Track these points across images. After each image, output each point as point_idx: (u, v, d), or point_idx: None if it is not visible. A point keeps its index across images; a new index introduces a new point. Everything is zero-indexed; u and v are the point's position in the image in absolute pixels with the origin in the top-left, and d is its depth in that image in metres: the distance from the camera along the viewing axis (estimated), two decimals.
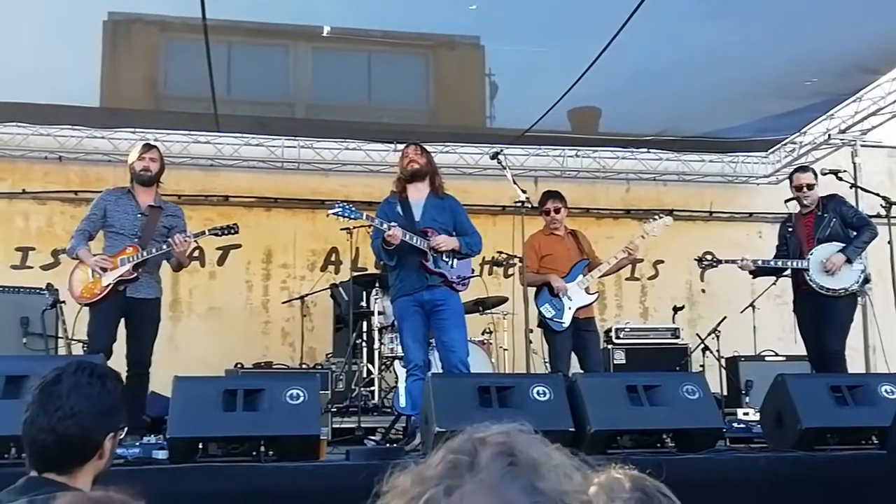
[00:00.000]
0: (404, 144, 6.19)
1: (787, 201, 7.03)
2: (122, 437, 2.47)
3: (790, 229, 6.75)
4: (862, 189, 6.68)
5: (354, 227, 7.95)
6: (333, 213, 5.69)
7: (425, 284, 5.68)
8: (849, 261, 6.35)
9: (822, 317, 6.40)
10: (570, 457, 1.09)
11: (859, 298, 6.59)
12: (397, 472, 1.08)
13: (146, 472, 4.16)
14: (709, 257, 6.87)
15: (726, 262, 6.75)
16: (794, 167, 7.46)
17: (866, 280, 6.53)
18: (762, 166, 10.51)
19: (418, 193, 5.92)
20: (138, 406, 5.57)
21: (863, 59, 7.81)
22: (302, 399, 4.45)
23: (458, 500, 1.00)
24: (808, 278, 6.41)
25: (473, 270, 6.24)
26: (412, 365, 5.65)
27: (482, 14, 7.08)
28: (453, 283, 5.77)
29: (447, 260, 5.72)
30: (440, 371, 5.86)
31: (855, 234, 6.50)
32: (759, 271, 6.73)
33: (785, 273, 6.85)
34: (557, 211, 6.89)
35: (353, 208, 5.71)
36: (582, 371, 6.45)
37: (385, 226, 5.53)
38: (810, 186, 6.65)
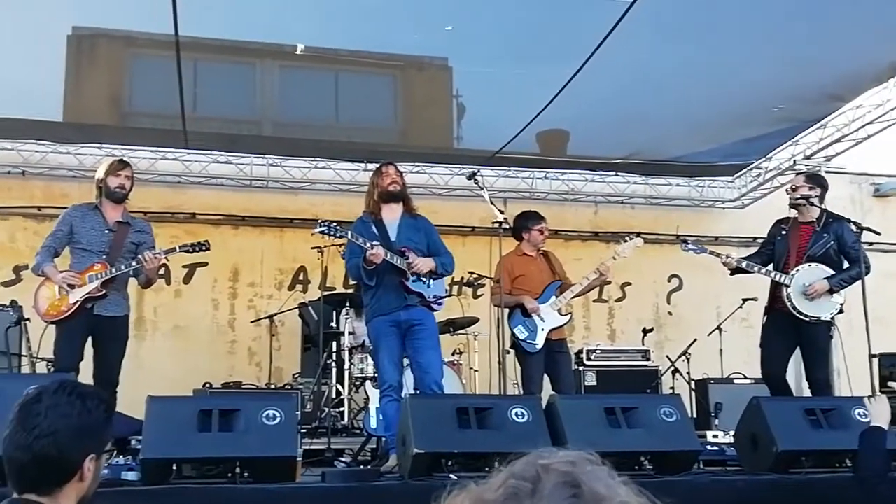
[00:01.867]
0: (380, 163, 6.13)
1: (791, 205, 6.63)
2: (107, 459, 2.40)
3: (783, 232, 6.41)
4: (840, 216, 6.66)
5: (325, 246, 7.90)
6: (319, 232, 5.66)
7: (403, 304, 5.64)
8: (831, 291, 6.10)
9: (804, 346, 6.22)
10: (637, 493, 1.06)
11: (832, 328, 6.43)
12: (456, 491, 1.05)
13: (119, 494, 4.06)
14: (690, 240, 6.69)
15: (710, 252, 6.48)
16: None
17: (840, 312, 6.25)
18: (728, 191, 10.65)
19: (392, 214, 5.89)
20: None
21: (828, 87, 7.96)
22: (278, 420, 4.39)
23: None
24: (785, 295, 6.14)
25: (447, 290, 6.22)
26: (386, 385, 5.59)
27: (452, 36, 7.10)
28: (430, 302, 5.74)
29: (424, 280, 5.70)
30: (412, 392, 5.82)
31: (847, 264, 6.22)
32: (737, 270, 6.42)
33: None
34: (541, 232, 6.91)
35: (338, 227, 5.66)
36: (553, 392, 6.43)
37: (368, 245, 5.48)
38: (794, 188, 6.41)
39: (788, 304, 6.13)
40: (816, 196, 6.32)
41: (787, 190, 6.60)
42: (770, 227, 6.66)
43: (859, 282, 6.13)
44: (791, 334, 6.24)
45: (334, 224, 5.68)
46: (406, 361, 5.91)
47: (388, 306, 5.65)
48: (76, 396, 2.23)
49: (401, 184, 5.93)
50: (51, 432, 2.14)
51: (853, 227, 6.16)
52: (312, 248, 8.15)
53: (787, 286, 6.14)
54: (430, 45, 7.54)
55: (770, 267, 6.30)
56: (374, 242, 5.52)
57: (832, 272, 6.17)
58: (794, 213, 6.50)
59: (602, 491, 1.00)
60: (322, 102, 8.71)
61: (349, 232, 5.63)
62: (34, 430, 2.14)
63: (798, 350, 6.36)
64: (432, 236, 5.94)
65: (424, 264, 5.67)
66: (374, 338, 5.77)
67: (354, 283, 8.85)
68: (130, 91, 8.78)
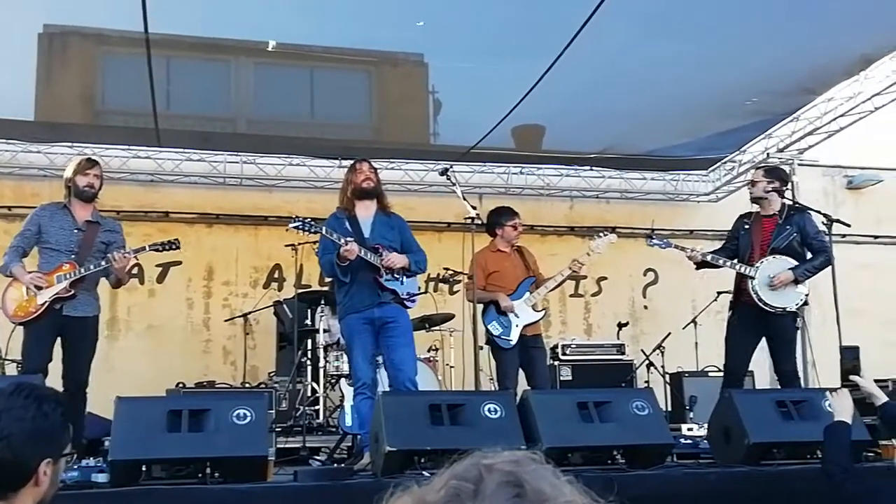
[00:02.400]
0: (354, 160, 6.10)
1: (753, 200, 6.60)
2: (68, 463, 2.36)
3: (746, 226, 6.45)
4: (804, 207, 6.69)
5: (299, 244, 7.86)
6: (294, 227, 5.59)
7: (377, 301, 5.62)
8: (796, 281, 6.15)
9: (771, 338, 6.24)
10: (582, 492, 1.04)
11: (798, 319, 6.48)
12: (399, 493, 1.03)
13: (86, 497, 4.02)
14: (658, 237, 6.68)
15: (676, 247, 6.49)
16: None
17: (805, 303, 6.32)
18: (702, 184, 10.70)
19: (366, 211, 5.87)
20: (77, 428, 5.38)
21: (800, 80, 8.02)
22: (249, 419, 4.36)
23: None
24: (750, 287, 6.17)
25: (420, 287, 6.21)
26: (360, 383, 5.57)
27: (426, 31, 7.08)
28: (404, 299, 5.73)
29: (398, 277, 5.68)
30: (387, 389, 5.80)
31: (810, 255, 6.30)
32: (703, 264, 6.45)
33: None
34: (515, 228, 6.90)
35: (313, 223, 5.61)
36: (529, 387, 6.44)
37: (342, 241, 5.46)
38: (752, 183, 6.51)
39: (754, 296, 6.16)
40: (775, 189, 6.36)
41: (748, 186, 6.64)
42: (734, 222, 6.69)
43: (830, 274, 6.17)
44: (757, 328, 6.27)
45: (308, 220, 5.64)
46: (380, 359, 5.90)
47: (362, 303, 5.63)
48: (32, 399, 2.19)
49: (375, 181, 5.91)
50: (4, 436, 2.10)
51: (819, 219, 6.21)
52: (287, 245, 8.10)
53: (753, 278, 6.17)
54: (406, 41, 7.52)
55: (735, 260, 6.34)
56: (349, 238, 5.50)
57: (796, 263, 6.21)
58: (756, 207, 6.54)
59: (546, 490, 0.99)
60: (297, 99, 8.67)
61: (323, 228, 5.60)
62: None
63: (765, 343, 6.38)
64: (406, 234, 5.93)
65: (398, 260, 5.66)
66: (348, 335, 5.75)
67: (329, 280, 8.86)
68: (102, 89, 8.71)
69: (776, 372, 6.37)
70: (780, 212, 6.35)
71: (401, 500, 1.03)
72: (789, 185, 6.59)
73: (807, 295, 6.28)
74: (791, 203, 6.47)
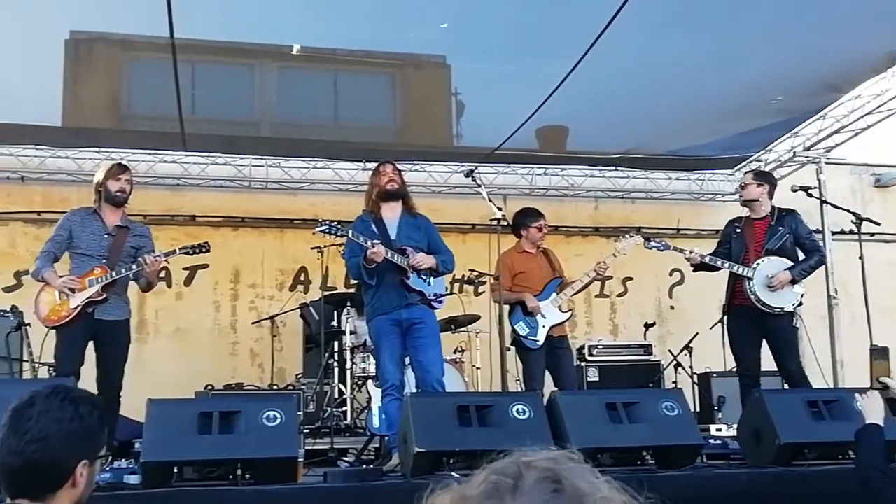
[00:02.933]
0: (378, 162, 6.12)
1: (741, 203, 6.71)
2: (102, 465, 2.38)
3: (738, 230, 6.49)
4: (832, 205, 6.65)
5: (325, 246, 7.90)
6: (320, 231, 5.63)
7: (404, 303, 5.63)
8: (793, 281, 6.19)
9: (772, 339, 6.24)
10: (620, 490, 1.05)
11: (795, 319, 6.46)
12: (438, 490, 1.04)
13: (119, 498, 4.06)
14: (653, 239, 6.66)
15: (674, 248, 6.53)
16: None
17: (800, 304, 6.30)
18: (728, 184, 10.62)
19: (392, 212, 5.88)
20: (110, 431, 5.43)
21: (827, 78, 7.95)
22: (279, 420, 4.38)
23: None
24: (748, 288, 6.20)
25: (447, 288, 6.21)
26: (388, 385, 5.58)
27: (449, 33, 7.09)
28: (431, 300, 5.73)
29: (425, 278, 5.69)
30: (414, 391, 5.81)
31: (804, 255, 6.35)
32: (701, 266, 6.49)
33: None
34: (540, 229, 6.90)
35: (339, 226, 5.63)
36: (556, 389, 6.43)
37: (369, 243, 5.46)
38: (743, 186, 6.56)
39: (752, 297, 6.19)
40: (766, 193, 6.44)
41: (736, 190, 6.64)
42: (724, 227, 6.72)
43: (860, 272, 6.13)
44: (755, 329, 6.28)
45: (335, 223, 5.66)
46: (407, 360, 5.91)
47: (389, 305, 5.63)
48: (69, 401, 2.20)
49: (399, 182, 5.92)
50: (42, 437, 2.12)
51: (849, 218, 6.18)
52: (313, 248, 8.15)
53: (751, 279, 6.20)
54: (429, 43, 7.53)
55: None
56: (375, 241, 5.51)
57: (792, 264, 6.25)
58: (745, 212, 6.57)
59: (584, 487, 1.00)
60: (321, 102, 8.71)
61: (350, 231, 5.62)
62: (25, 434, 2.12)
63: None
64: (432, 235, 5.94)
65: (425, 261, 5.67)
66: (376, 337, 5.76)
67: (355, 282, 8.88)
68: (128, 94, 8.79)
69: (781, 372, 6.32)
70: (770, 214, 6.41)
71: (441, 497, 1.04)
72: (776, 189, 6.59)
73: (803, 295, 6.29)
74: (779, 206, 6.51)
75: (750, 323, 6.28)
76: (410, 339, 5.64)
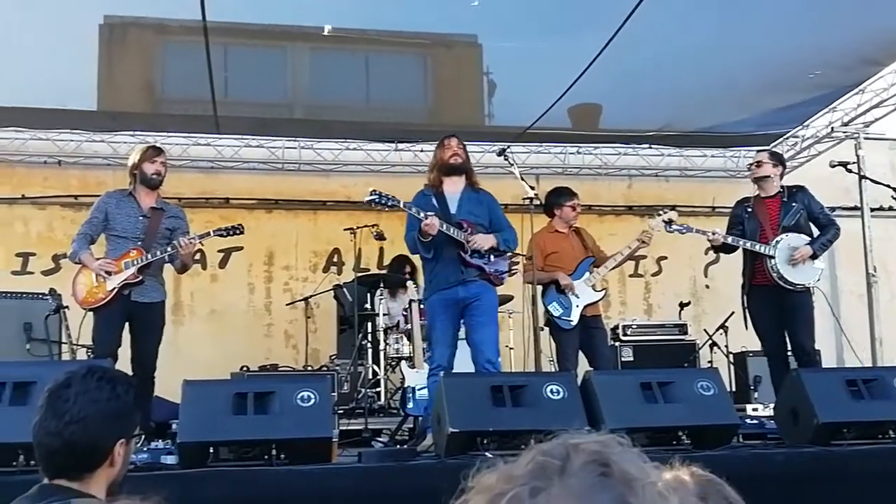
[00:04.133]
0: (443, 137, 6.00)
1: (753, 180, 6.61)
2: (137, 444, 2.40)
3: (749, 210, 6.43)
4: (871, 181, 6.52)
5: (357, 227, 7.94)
6: (370, 201, 5.53)
7: (461, 278, 5.55)
8: (814, 256, 6.14)
9: (790, 314, 6.17)
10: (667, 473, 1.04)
11: (813, 297, 6.38)
12: (484, 469, 1.04)
13: (156, 478, 4.10)
14: (675, 222, 6.58)
15: (697, 231, 6.47)
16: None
17: (819, 278, 6.26)
18: None
19: (454, 187, 5.80)
20: (145, 412, 5.51)
21: (865, 51, 7.78)
22: (313, 401, 4.40)
23: (543, 502, 0.95)
24: (770, 266, 6.14)
25: (510, 266, 6.06)
26: (435, 365, 5.53)
27: (480, 12, 7.03)
28: (490, 276, 5.65)
29: (485, 256, 5.61)
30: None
31: (820, 230, 6.29)
32: (722, 248, 6.49)
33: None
34: (574, 209, 6.85)
35: (390, 196, 5.54)
36: (591, 369, 6.40)
37: (422, 215, 5.41)
38: (758, 164, 6.46)
39: (774, 274, 6.14)
40: (779, 174, 6.43)
41: (750, 167, 6.60)
42: (732, 208, 6.68)
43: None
44: (775, 307, 6.21)
45: (385, 194, 5.55)
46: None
47: (446, 281, 5.58)
48: (105, 381, 2.23)
49: (463, 157, 5.84)
50: (81, 418, 2.14)
51: (889, 193, 6.09)
52: (346, 229, 8.18)
53: (773, 257, 6.14)
54: (459, 23, 7.49)
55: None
56: (429, 213, 5.44)
57: (810, 238, 6.21)
58: (755, 191, 6.53)
59: (632, 471, 0.99)
60: (352, 84, 8.69)
61: (401, 201, 5.54)
62: (64, 416, 2.14)
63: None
64: (495, 211, 5.87)
65: (485, 241, 5.59)
66: (430, 315, 5.74)
67: (388, 263, 8.91)
68: (162, 78, 8.85)
69: (795, 350, 6.22)
70: (781, 191, 6.36)
71: (489, 476, 1.04)
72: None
73: (822, 270, 6.26)
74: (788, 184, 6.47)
75: (770, 301, 6.22)
76: (467, 316, 5.60)
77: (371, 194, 5.55)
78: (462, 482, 1.05)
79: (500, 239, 5.67)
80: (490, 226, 5.72)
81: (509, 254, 5.90)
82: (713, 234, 6.36)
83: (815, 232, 6.30)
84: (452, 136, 5.94)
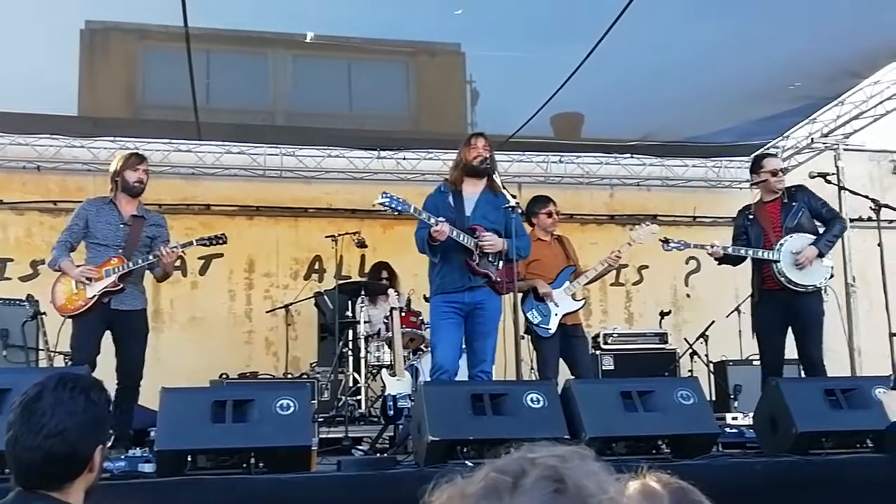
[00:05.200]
0: (472, 134, 5.90)
1: (753, 185, 6.69)
2: (108, 445, 2.38)
3: (750, 217, 6.39)
4: (850, 192, 6.56)
5: (339, 235, 7.92)
6: (380, 203, 5.44)
7: (467, 285, 5.52)
8: (820, 255, 6.07)
9: (799, 321, 6.12)
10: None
11: (824, 295, 6.36)
12: (443, 485, 1.03)
13: (133, 486, 4.06)
14: (675, 240, 6.48)
15: (695, 246, 6.44)
16: (759, 154, 7.34)
17: (831, 276, 6.24)
18: (745, 171, 10.45)
19: (473, 188, 5.74)
20: (128, 419, 5.48)
21: (845, 63, 7.86)
22: (292, 409, 4.37)
23: None
24: (776, 271, 6.09)
25: (519, 273, 5.92)
26: (439, 370, 5.49)
27: (464, 20, 7.04)
28: (496, 283, 5.61)
29: (493, 261, 5.58)
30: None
31: (824, 226, 6.24)
32: (725, 259, 6.37)
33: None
34: (550, 215, 6.85)
35: (401, 199, 5.45)
36: (572, 377, 6.40)
37: (433, 220, 5.36)
38: (785, 171, 6.45)
39: (781, 278, 6.10)
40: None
41: (775, 172, 6.43)
42: (735, 218, 6.64)
43: (878, 260, 6.06)
44: (784, 314, 6.17)
45: (396, 197, 5.46)
46: None
47: (452, 285, 5.55)
48: (79, 391, 2.20)
49: (489, 159, 5.72)
50: (59, 431, 2.11)
51: (867, 204, 6.12)
52: (327, 236, 8.16)
53: (778, 261, 6.10)
54: (443, 31, 7.49)
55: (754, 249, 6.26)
56: (440, 219, 5.39)
57: (814, 237, 6.16)
58: (755, 197, 6.56)
59: (590, 486, 0.96)
60: (335, 91, 8.69)
61: (412, 206, 5.46)
62: (41, 430, 2.11)
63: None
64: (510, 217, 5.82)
65: (493, 243, 5.53)
66: (433, 317, 5.71)
67: (368, 271, 8.88)
68: (143, 84, 8.80)
69: (802, 359, 6.20)
70: (781, 194, 6.33)
71: (444, 492, 1.02)
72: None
73: (832, 267, 6.21)
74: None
75: (780, 308, 6.16)
76: (470, 323, 5.57)
77: (382, 196, 5.44)
78: (420, 499, 1.04)
79: (510, 245, 5.55)
80: (504, 231, 5.62)
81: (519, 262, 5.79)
82: (712, 246, 6.28)
83: (820, 228, 6.25)
84: (480, 136, 5.83)
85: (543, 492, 0.95)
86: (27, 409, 2.16)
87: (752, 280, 6.42)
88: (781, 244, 6.14)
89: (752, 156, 7.38)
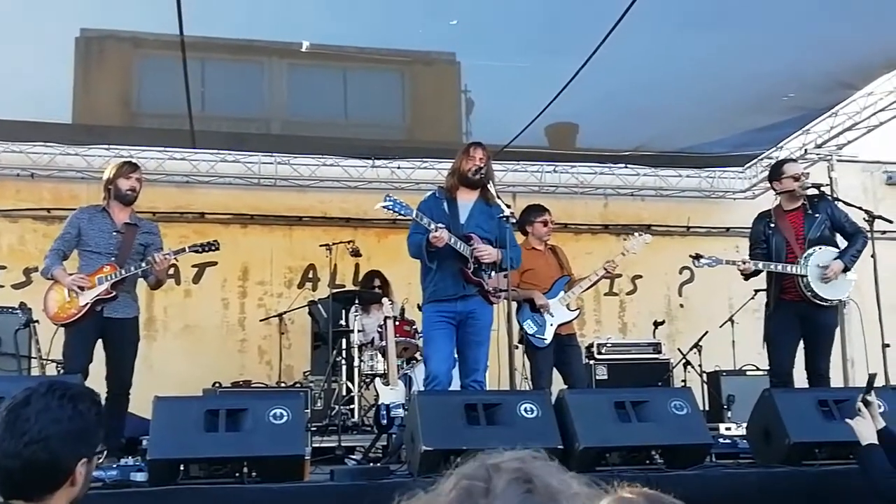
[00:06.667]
0: (470, 143, 5.89)
1: (778, 193, 6.45)
2: (100, 461, 2.33)
3: (772, 226, 6.27)
4: (844, 203, 6.56)
5: (333, 243, 7.92)
6: (383, 206, 5.43)
7: (461, 293, 5.53)
8: (846, 269, 6.02)
9: (814, 334, 6.10)
10: (589, 485, 1.04)
11: (843, 308, 6.35)
12: (405, 501, 1.03)
13: (125, 496, 4.05)
14: (704, 256, 6.35)
15: (727, 262, 6.25)
16: (777, 160, 7.28)
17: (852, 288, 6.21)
18: (739, 181, 10.58)
19: (468, 196, 5.75)
20: (118, 428, 5.46)
21: (839, 74, 7.87)
22: (286, 419, 4.36)
23: None
24: (802, 284, 6.02)
25: (513, 283, 5.91)
26: (432, 379, 5.49)
27: (459, 30, 7.05)
28: (489, 293, 5.61)
29: (486, 270, 5.58)
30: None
31: (846, 239, 6.19)
32: (753, 273, 6.23)
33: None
34: (545, 224, 6.85)
35: (404, 203, 5.43)
36: (565, 387, 6.40)
37: (433, 226, 5.35)
38: (807, 176, 6.35)
39: (808, 292, 6.03)
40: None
41: (797, 177, 6.31)
42: (753, 223, 6.52)
43: (871, 271, 6.07)
44: (799, 325, 6.14)
45: (399, 201, 5.44)
46: None
47: (445, 293, 5.55)
48: (67, 399, 2.15)
49: (484, 171, 5.71)
50: (41, 438, 2.06)
51: (860, 216, 6.11)
52: (321, 245, 8.15)
53: (805, 276, 6.02)
54: (438, 40, 7.50)
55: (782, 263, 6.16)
56: (440, 225, 5.38)
57: (838, 251, 6.12)
58: (774, 202, 6.47)
59: (555, 485, 0.99)
60: (330, 100, 8.69)
61: (414, 211, 5.45)
62: (23, 436, 2.06)
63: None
64: (503, 227, 5.79)
65: (488, 253, 5.53)
66: (426, 326, 5.69)
67: (362, 279, 8.86)
68: (138, 92, 8.79)
69: (810, 370, 6.17)
70: (804, 202, 6.24)
71: None
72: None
73: (854, 281, 6.17)
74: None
75: (796, 318, 6.12)
76: (462, 332, 5.57)
77: (385, 199, 5.44)
78: None
79: (505, 256, 5.56)
80: (496, 242, 5.63)
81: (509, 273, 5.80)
82: (743, 263, 6.16)
83: (841, 241, 6.20)
84: (479, 146, 5.82)
85: (517, 493, 0.97)
86: (12, 413, 2.11)
87: (769, 289, 6.32)
88: (808, 256, 6.06)
89: (771, 164, 7.27)
